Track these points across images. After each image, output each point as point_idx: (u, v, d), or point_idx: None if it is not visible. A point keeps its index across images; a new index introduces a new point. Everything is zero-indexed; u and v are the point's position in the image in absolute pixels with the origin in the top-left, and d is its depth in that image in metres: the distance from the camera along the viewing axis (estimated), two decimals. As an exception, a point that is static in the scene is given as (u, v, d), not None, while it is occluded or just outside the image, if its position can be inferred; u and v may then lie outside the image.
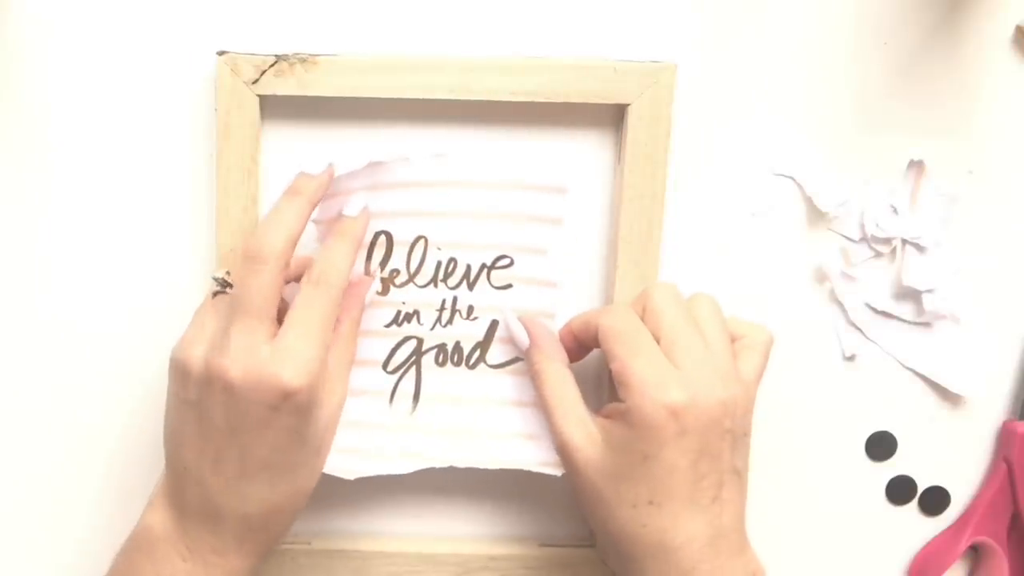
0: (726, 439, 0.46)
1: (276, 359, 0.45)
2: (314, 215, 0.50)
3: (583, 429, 0.49)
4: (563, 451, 0.49)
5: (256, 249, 0.46)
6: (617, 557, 0.49)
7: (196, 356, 0.46)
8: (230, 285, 0.48)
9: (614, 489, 0.47)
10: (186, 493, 0.48)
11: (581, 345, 0.51)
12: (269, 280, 0.46)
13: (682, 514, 0.46)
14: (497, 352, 0.53)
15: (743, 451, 0.48)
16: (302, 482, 0.49)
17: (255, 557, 0.49)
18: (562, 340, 0.52)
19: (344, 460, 0.52)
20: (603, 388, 0.53)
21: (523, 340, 0.52)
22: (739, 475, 0.47)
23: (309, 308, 0.47)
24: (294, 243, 0.47)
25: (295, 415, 0.46)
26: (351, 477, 0.52)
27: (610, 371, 0.48)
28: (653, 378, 0.46)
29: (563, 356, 0.51)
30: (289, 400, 0.45)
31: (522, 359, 0.53)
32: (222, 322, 0.47)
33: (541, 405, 0.51)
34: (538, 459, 0.53)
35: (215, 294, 0.49)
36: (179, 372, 0.47)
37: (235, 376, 0.45)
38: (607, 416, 0.48)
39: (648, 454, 0.45)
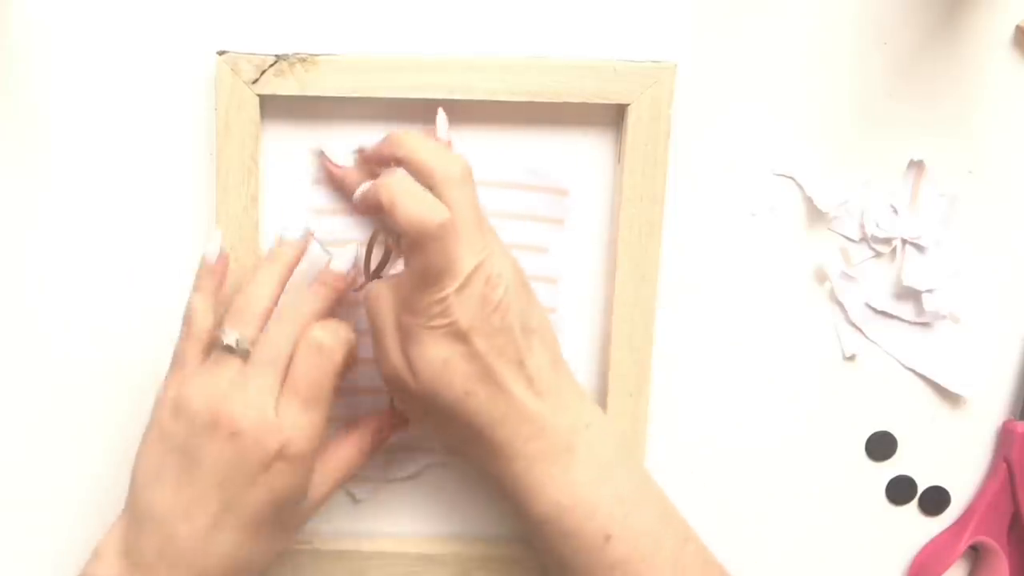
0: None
1: (284, 421, 0.46)
2: (317, 205, 0.52)
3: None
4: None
5: (285, 308, 0.48)
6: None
7: (198, 398, 0.46)
8: (246, 351, 0.47)
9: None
10: (145, 542, 0.47)
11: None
12: (289, 339, 0.47)
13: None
14: None
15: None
16: (260, 555, 0.48)
17: None
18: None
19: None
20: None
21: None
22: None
23: (316, 373, 0.47)
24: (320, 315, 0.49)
25: (282, 478, 0.46)
26: (362, 497, 0.53)
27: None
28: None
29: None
30: (282, 461, 0.46)
31: None
32: (230, 370, 0.47)
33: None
34: None
35: (221, 350, 0.47)
36: (176, 411, 0.47)
37: (246, 425, 0.45)
38: None
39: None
